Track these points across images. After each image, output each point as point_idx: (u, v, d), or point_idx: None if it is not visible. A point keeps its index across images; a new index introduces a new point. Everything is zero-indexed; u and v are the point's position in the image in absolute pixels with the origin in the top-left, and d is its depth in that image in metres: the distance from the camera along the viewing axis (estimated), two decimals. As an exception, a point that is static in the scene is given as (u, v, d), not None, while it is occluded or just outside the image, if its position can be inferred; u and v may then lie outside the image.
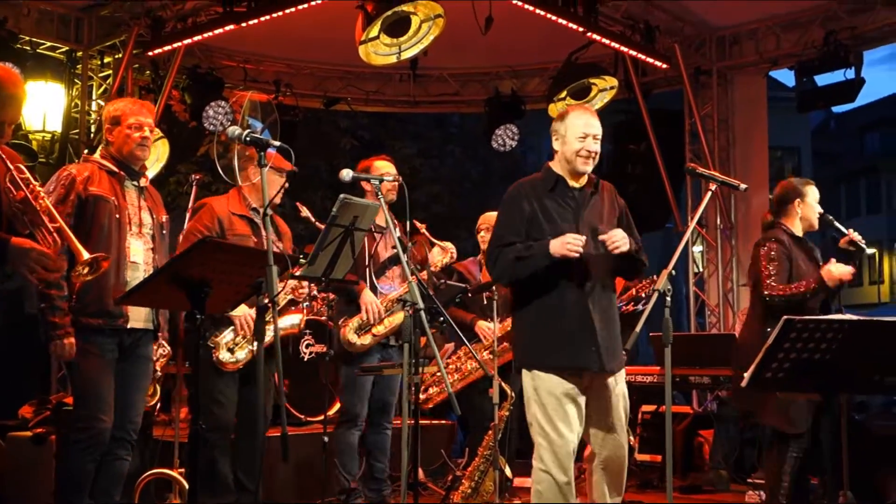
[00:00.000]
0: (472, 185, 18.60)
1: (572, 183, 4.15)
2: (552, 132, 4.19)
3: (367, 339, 5.23)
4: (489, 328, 5.78)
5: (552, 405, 4.01)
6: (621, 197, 4.32)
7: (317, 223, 5.29)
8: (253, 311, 4.63)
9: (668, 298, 3.69)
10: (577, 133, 4.07)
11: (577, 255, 3.90)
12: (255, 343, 4.73)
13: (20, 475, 5.03)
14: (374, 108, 10.52)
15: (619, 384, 4.17)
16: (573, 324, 4.00)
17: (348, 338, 5.20)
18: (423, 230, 5.30)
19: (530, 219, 4.08)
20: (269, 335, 4.43)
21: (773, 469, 4.77)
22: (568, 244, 3.89)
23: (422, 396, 5.69)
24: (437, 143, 18.20)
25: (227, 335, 4.70)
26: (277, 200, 4.89)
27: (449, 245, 5.46)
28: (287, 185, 4.49)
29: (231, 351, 4.69)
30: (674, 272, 3.77)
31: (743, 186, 4.02)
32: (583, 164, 4.09)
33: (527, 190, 4.15)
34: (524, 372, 4.11)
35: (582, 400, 4.08)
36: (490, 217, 6.41)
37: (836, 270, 4.61)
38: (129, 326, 4.17)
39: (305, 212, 5.37)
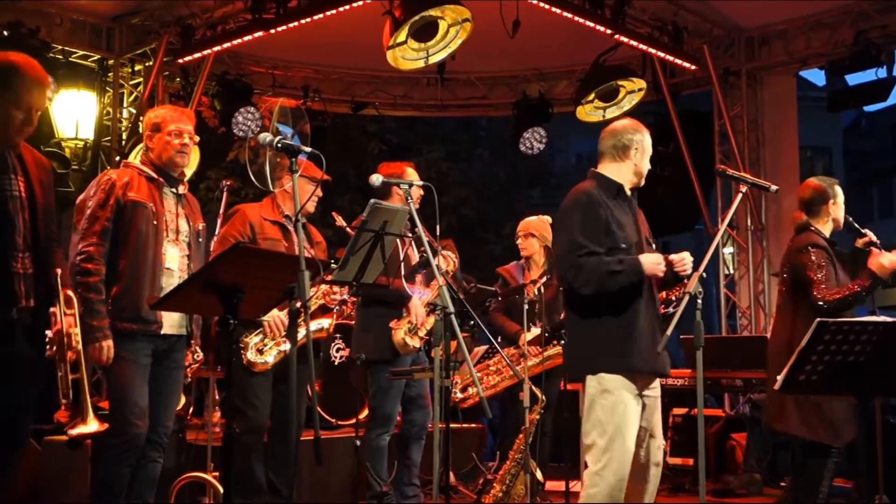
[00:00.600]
0: (500, 188, 18.58)
1: (627, 191, 4.23)
2: (629, 143, 4.19)
3: (416, 342, 5.27)
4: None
5: (621, 409, 4.01)
6: (649, 199, 4.39)
7: (347, 228, 5.33)
8: (281, 314, 4.69)
9: (700, 301, 3.67)
10: (650, 152, 4.21)
11: (662, 274, 3.99)
12: (288, 347, 4.78)
13: (56, 479, 5.09)
14: (402, 113, 10.55)
15: (658, 387, 4.22)
16: (646, 329, 4.03)
17: (404, 339, 5.21)
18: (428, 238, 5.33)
19: (606, 226, 4.08)
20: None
21: (805, 481, 4.70)
22: (660, 265, 3.97)
23: (460, 395, 5.69)
24: (465, 147, 18.20)
25: (255, 337, 4.75)
26: (311, 209, 4.94)
27: (450, 254, 5.43)
28: (320, 193, 4.52)
29: (260, 352, 4.73)
30: (705, 274, 3.75)
31: (774, 188, 3.99)
32: (642, 180, 4.23)
33: (600, 198, 4.13)
34: (589, 376, 4.11)
35: (640, 404, 4.13)
36: (531, 223, 6.39)
37: (888, 260, 4.53)
38: (162, 332, 4.22)
39: (340, 221, 5.40)
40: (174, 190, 4.39)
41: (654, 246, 4.26)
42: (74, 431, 3.77)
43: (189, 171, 8.28)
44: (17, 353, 3.45)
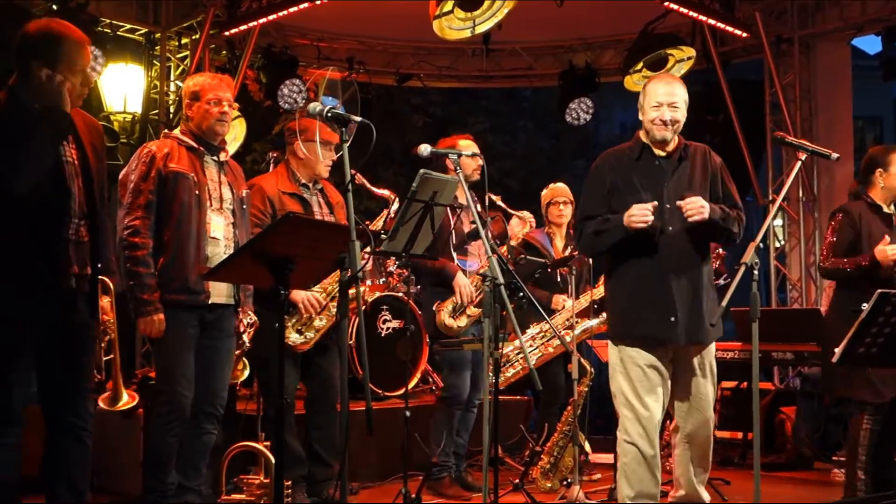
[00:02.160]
0: (545, 159, 18.44)
1: (658, 152, 4.13)
2: (638, 105, 4.20)
3: (462, 321, 5.26)
4: (564, 299, 5.72)
5: (637, 376, 4.02)
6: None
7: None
8: (308, 293, 4.71)
9: (756, 272, 3.61)
10: (652, 101, 4.09)
11: (644, 225, 3.91)
12: (324, 323, 4.80)
13: (110, 448, 5.17)
14: (446, 84, 10.48)
15: (706, 357, 4.14)
16: (653, 295, 4.00)
17: (445, 322, 5.22)
18: (499, 202, 5.28)
19: (612, 191, 4.09)
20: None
21: (852, 444, 4.65)
22: (633, 216, 3.91)
23: (511, 370, 5.68)
24: (508, 118, 18.08)
25: (292, 318, 4.77)
26: (325, 174, 4.94)
27: (526, 214, 5.43)
28: (334, 157, 4.50)
29: (300, 332, 4.75)
30: (761, 245, 3.68)
31: (835, 156, 3.89)
32: (659, 131, 4.07)
33: (611, 161, 4.17)
34: (610, 344, 4.12)
35: (667, 372, 4.07)
36: (563, 189, 6.35)
37: (892, 250, 4.45)
38: (210, 302, 4.24)
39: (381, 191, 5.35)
40: (215, 158, 4.37)
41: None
42: (106, 406, 3.84)
43: (235, 144, 8.37)
44: (78, 322, 3.50)
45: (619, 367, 4.10)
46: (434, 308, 5.26)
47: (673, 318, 3.98)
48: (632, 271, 4.07)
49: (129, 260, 4.07)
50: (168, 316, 4.13)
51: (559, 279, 6.09)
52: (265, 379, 4.90)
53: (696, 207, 3.93)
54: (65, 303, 3.43)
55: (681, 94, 4.12)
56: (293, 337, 4.76)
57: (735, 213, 4.14)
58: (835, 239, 4.63)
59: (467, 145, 5.30)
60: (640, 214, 3.91)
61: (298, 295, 4.68)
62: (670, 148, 4.14)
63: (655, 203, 3.98)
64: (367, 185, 5.12)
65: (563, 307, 5.81)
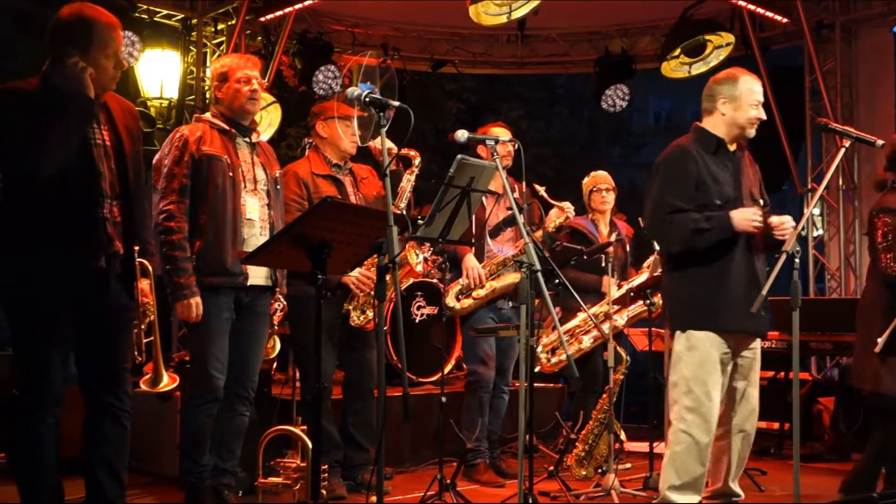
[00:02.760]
0: (579, 146, 18.36)
1: (730, 147, 4.13)
2: (715, 94, 4.11)
3: (466, 303, 5.26)
4: (615, 281, 5.67)
5: (707, 367, 3.99)
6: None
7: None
8: (357, 272, 4.71)
9: (797, 261, 3.56)
10: (752, 100, 4.05)
11: (756, 231, 3.90)
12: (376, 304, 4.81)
13: (147, 429, 5.22)
14: (481, 71, 10.42)
15: (757, 348, 4.18)
16: (740, 288, 3.98)
17: (447, 302, 5.22)
18: (542, 192, 5.26)
19: (698, 182, 4.02)
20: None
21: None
22: (754, 222, 3.89)
23: (553, 360, 5.66)
24: (543, 105, 18.00)
25: (351, 301, 4.80)
26: (352, 150, 4.96)
27: (567, 205, 5.40)
28: (359, 132, 4.51)
29: (363, 311, 4.78)
30: (803, 233, 3.63)
31: (879, 142, 3.82)
32: (752, 130, 4.09)
33: (692, 154, 4.07)
34: (677, 333, 4.07)
35: (730, 363, 4.07)
36: (604, 176, 6.29)
37: None
38: (249, 284, 4.25)
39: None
40: (247, 139, 4.38)
41: (762, 202, 4.14)
42: (147, 388, 3.88)
43: (270, 130, 8.39)
44: (113, 303, 3.53)
45: (686, 355, 4.05)
46: (445, 287, 5.26)
47: (751, 311, 3.94)
48: (708, 262, 4.02)
49: (166, 244, 4.10)
50: (204, 299, 4.15)
51: (604, 264, 6.05)
52: (303, 363, 4.92)
53: (789, 229, 3.93)
54: (98, 283, 3.46)
55: None
56: (354, 317, 4.77)
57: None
58: (887, 244, 4.41)
59: (501, 132, 5.28)
60: (753, 219, 3.90)
61: (348, 278, 4.69)
62: (735, 145, 4.15)
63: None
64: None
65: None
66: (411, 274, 5.14)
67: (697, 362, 4.01)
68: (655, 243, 4.75)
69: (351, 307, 4.85)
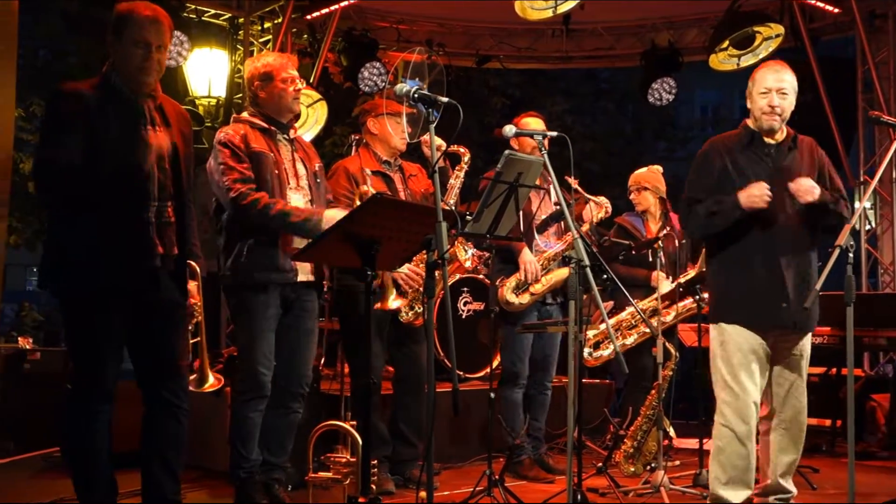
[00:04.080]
0: (624, 141, 18.21)
1: (768, 140, 4.09)
2: (749, 87, 4.14)
3: (525, 298, 5.23)
4: (664, 276, 5.62)
5: (738, 360, 3.99)
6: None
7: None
8: (406, 268, 4.70)
9: (851, 255, 3.50)
10: (760, 88, 4.04)
11: (765, 205, 3.87)
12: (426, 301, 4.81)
13: (198, 424, 5.26)
14: (526, 65, 10.41)
15: (805, 344, 4.12)
16: (763, 279, 3.97)
17: (506, 297, 5.20)
18: (576, 185, 5.22)
19: (721, 175, 4.05)
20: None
21: None
22: (752, 195, 3.87)
23: (594, 355, 5.63)
24: (588, 100, 17.89)
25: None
26: (402, 147, 4.95)
27: (603, 200, 5.36)
28: (409, 129, 4.50)
29: (412, 307, 4.79)
30: (857, 227, 3.58)
31: (934, 135, 3.76)
32: (767, 120, 4.03)
33: (719, 147, 4.13)
34: (712, 326, 4.09)
35: (767, 356, 4.03)
36: (642, 175, 6.21)
37: None
38: (297, 280, 4.27)
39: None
40: (286, 136, 4.40)
41: (826, 187, 4.12)
42: (193, 388, 3.92)
43: (317, 128, 8.45)
44: (167, 301, 3.58)
45: (719, 349, 4.06)
46: (497, 283, 5.24)
47: (784, 304, 3.96)
48: (741, 255, 4.03)
49: (260, 216, 4.08)
50: (251, 296, 4.18)
51: (652, 259, 6.00)
52: (353, 358, 4.94)
53: (807, 188, 3.90)
54: (151, 280, 3.51)
55: (790, 81, 4.08)
56: (403, 313, 4.79)
57: (843, 202, 4.10)
58: None
59: (534, 122, 5.26)
60: (760, 193, 3.88)
61: (398, 274, 4.72)
62: (780, 137, 4.11)
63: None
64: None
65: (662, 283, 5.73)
66: (459, 270, 5.13)
67: (729, 357, 4.02)
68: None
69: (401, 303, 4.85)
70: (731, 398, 4.00)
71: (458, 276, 6.62)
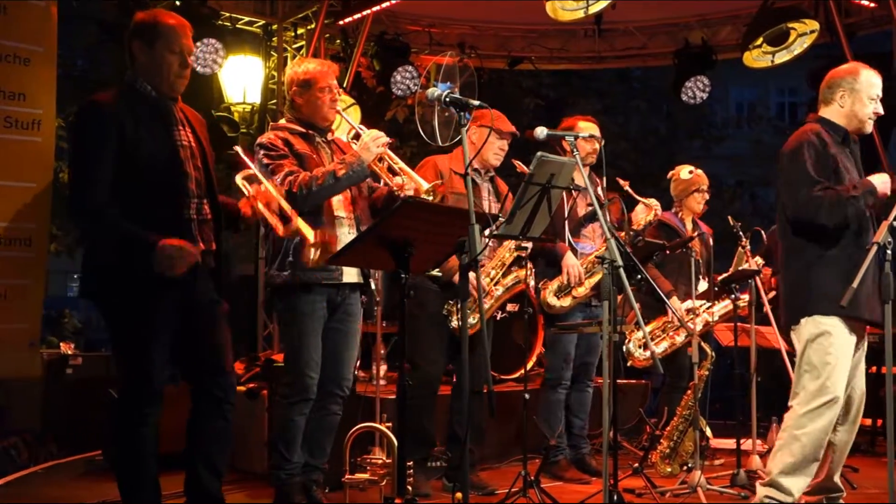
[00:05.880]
0: (658, 140, 18.10)
1: (854, 137, 4.17)
2: (834, 86, 4.14)
3: (566, 301, 5.24)
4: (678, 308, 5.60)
5: (836, 352, 3.99)
6: None
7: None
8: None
9: (889, 252, 3.48)
10: (871, 93, 4.07)
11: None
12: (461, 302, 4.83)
13: (236, 427, 5.30)
14: (558, 66, 10.37)
15: (866, 339, 4.21)
16: (864, 274, 3.90)
17: (548, 300, 5.21)
18: (626, 186, 5.21)
19: (835, 167, 4.05)
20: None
21: None
22: (886, 181, 3.94)
23: (645, 353, 5.61)
24: (620, 100, 17.80)
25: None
26: (495, 162, 5.00)
27: (653, 201, 5.34)
28: (506, 148, 4.51)
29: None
30: (894, 223, 3.56)
31: (973, 132, 3.73)
32: (869, 125, 4.12)
33: (826, 140, 4.10)
34: (806, 318, 4.04)
35: (855, 349, 4.11)
36: (702, 177, 6.14)
37: None
38: (343, 281, 4.29)
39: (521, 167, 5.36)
40: (324, 139, 4.44)
41: None
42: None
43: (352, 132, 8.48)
44: (209, 298, 3.64)
45: (813, 341, 4.04)
46: (540, 286, 5.24)
47: (843, 304, 3.90)
48: (840, 249, 4.03)
49: (312, 195, 4.08)
50: (299, 298, 4.22)
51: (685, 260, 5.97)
52: (412, 358, 4.93)
53: (888, 182, 3.98)
54: (194, 279, 3.57)
55: None
56: (454, 320, 4.81)
57: None
58: None
59: (587, 127, 5.24)
60: (891, 180, 3.96)
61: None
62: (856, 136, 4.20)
63: None
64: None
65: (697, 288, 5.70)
66: (521, 285, 5.08)
67: (826, 348, 4.00)
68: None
69: (453, 309, 4.84)
70: (820, 390, 3.98)
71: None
